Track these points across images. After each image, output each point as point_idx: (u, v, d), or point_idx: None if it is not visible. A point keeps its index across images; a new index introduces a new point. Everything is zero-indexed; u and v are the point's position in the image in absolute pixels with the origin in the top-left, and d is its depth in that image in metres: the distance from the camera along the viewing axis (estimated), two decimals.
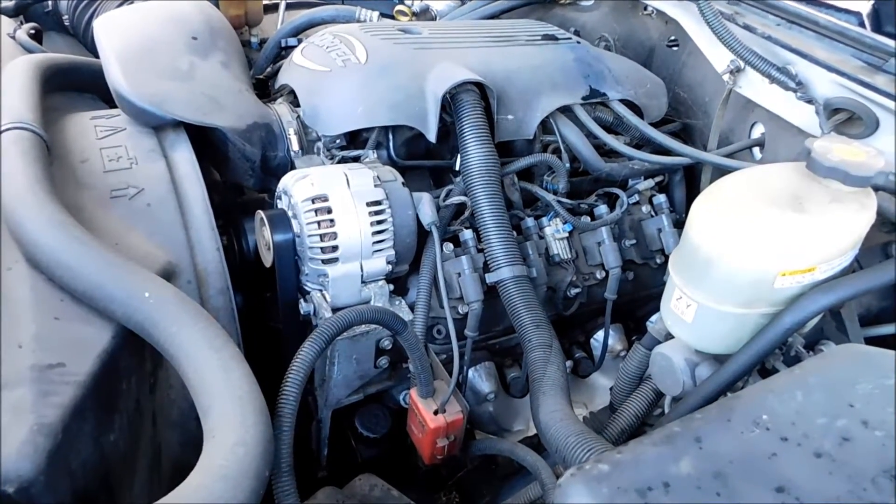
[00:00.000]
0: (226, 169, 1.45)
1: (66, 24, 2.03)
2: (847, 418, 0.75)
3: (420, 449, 1.34)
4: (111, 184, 1.25)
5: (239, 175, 1.46)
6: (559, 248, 1.54)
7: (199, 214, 1.27)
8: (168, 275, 1.18)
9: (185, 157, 1.33)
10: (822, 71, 1.30)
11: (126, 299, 0.94)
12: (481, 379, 1.52)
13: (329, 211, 1.26)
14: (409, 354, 1.23)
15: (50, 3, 2.03)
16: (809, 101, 1.31)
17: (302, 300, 1.32)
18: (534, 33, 1.67)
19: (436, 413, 1.28)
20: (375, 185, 1.31)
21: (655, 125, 1.66)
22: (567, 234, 1.55)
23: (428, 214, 1.35)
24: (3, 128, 1.12)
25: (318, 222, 1.25)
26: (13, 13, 1.93)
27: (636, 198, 1.64)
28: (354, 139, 1.49)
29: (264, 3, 2.14)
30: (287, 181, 1.30)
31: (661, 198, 1.59)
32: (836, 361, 0.87)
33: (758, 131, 1.56)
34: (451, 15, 1.94)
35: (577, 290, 1.54)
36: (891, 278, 0.98)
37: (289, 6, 2.21)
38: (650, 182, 1.65)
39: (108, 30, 1.45)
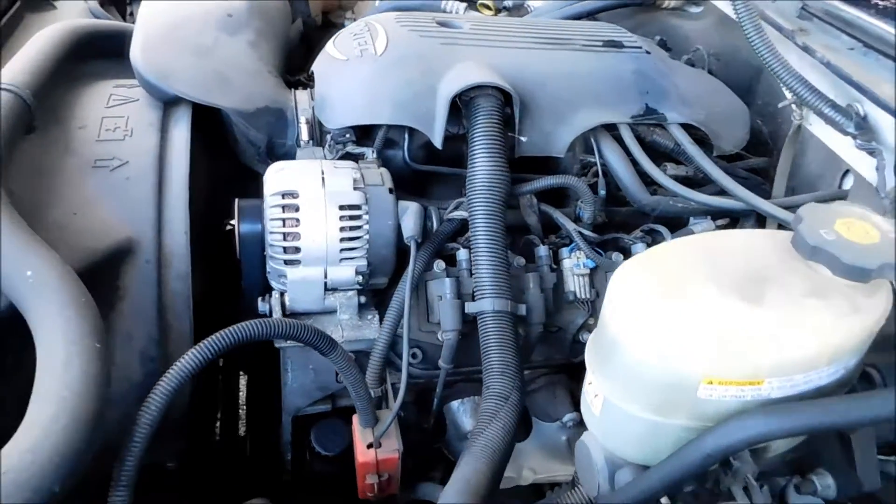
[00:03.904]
0: (237, 151, 1.42)
1: None
2: None
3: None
4: (98, 153, 1.25)
5: (248, 159, 1.42)
6: (576, 285, 1.33)
7: (176, 194, 1.24)
8: (124, 251, 1.17)
9: (180, 135, 1.30)
10: (889, 116, 0.98)
11: (6, 275, 0.92)
12: (465, 415, 1.37)
13: (296, 209, 1.18)
14: (343, 377, 1.12)
15: None
16: (871, 153, 1.00)
17: (259, 299, 1.24)
18: (596, 38, 1.45)
19: (369, 447, 1.16)
20: (355, 188, 1.21)
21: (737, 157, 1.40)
22: (588, 271, 1.34)
23: (409, 227, 1.22)
24: None
25: (284, 220, 1.18)
26: None
27: None
28: (368, 135, 1.39)
29: None
30: (268, 171, 1.24)
31: None
32: None
33: (850, 182, 1.24)
34: (536, 11, 1.76)
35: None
36: (888, 413, 0.70)
37: None
38: (710, 224, 1.39)
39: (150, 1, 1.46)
